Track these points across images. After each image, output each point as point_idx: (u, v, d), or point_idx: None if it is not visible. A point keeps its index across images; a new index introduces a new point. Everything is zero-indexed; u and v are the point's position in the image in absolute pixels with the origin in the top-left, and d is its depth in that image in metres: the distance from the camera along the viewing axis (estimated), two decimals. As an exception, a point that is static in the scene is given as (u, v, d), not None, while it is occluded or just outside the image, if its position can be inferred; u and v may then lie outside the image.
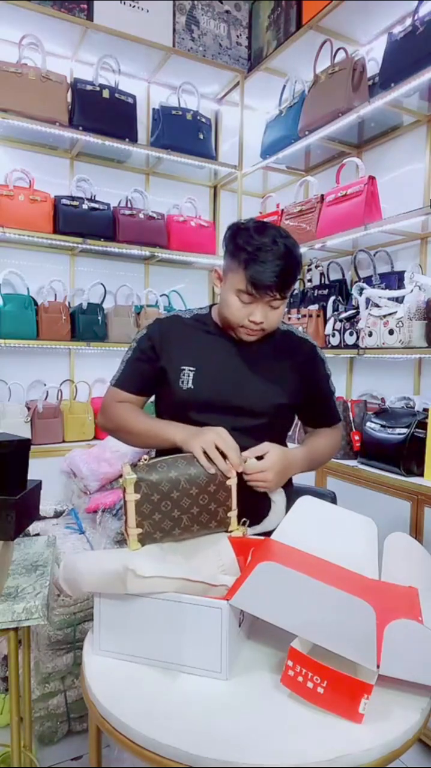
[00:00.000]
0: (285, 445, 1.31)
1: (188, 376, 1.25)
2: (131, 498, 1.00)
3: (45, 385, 2.63)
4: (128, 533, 1.00)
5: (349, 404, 2.27)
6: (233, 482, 1.10)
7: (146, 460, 1.04)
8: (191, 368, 1.26)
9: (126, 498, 1.00)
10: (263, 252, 1.13)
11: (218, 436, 1.10)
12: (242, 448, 1.14)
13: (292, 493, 1.38)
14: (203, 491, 1.06)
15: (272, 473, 1.15)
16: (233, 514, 1.10)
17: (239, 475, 1.12)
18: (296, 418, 1.44)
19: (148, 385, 1.33)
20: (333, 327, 2.40)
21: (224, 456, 1.08)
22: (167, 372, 1.27)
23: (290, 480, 1.41)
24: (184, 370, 1.26)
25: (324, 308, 2.54)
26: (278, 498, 1.23)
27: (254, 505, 1.18)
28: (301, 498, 1.18)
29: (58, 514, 2.36)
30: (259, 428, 1.25)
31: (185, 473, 1.05)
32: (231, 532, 1.10)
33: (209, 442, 1.08)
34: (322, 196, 2.48)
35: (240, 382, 1.26)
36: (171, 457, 1.07)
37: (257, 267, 1.13)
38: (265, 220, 1.26)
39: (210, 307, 1.37)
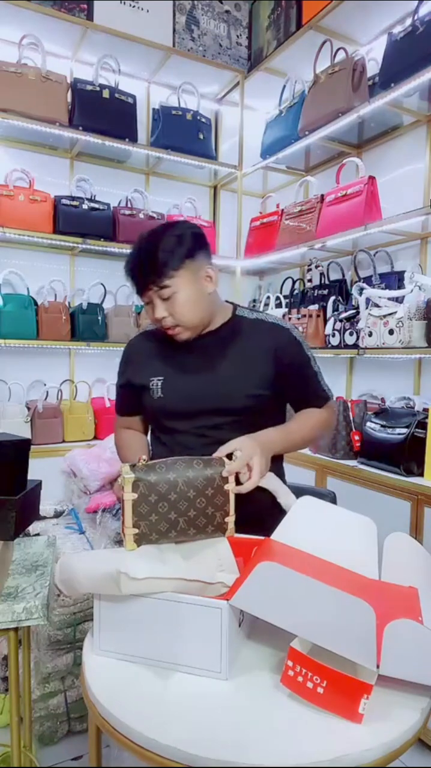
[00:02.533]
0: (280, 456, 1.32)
1: (157, 385, 1.29)
2: (129, 497, 1.00)
3: (45, 385, 2.63)
4: (125, 533, 1.01)
5: (349, 404, 2.27)
6: (231, 487, 1.09)
7: (143, 460, 1.05)
8: (159, 378, 1.29)
9: (124, 497, 1.01)
10: (130, 252, 1.22)
11: None
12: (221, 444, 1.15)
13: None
14: (201, 494, 1.06)
15: (249, 455, 1.11)
16: (230, 519, 1.09)
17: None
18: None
19: (134, 405, 1.38)
20: (333, 327, 2.40)
21: None
22: (140, 385, 1.32)
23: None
24: (152, 380, 1.29)
25: (324, 308, 2.54)
26: (272, 482, 1.21)
27: (258, 511, 1.17)
28: (301, 498, 1.18)
29: (58, 514, 2.36)
30: (238, 423, 1.23)
31: (184, 475, 1.04)
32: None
33: None
34: (322, 196, 2.48)
35: (207, 383, 1.25)
36: (170, 459, 1.07)
37: (126, 264, 1.23)
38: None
39: None
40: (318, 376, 1.33)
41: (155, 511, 1.01)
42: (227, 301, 1.37)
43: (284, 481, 1.39)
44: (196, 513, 1.05)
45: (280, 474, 1.37)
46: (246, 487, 1.10)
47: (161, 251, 1.17)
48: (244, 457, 1.10)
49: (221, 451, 1.12)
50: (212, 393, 1.24)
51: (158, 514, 1.02)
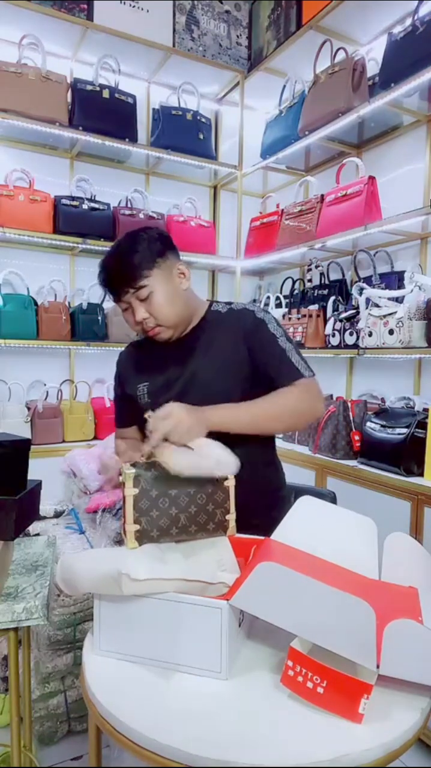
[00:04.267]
0: (269, 439, 1.33)
1: (143, 391, 1.32)
2: (130, 492, 1.00)
3: (45, 385, 2.63)
4: (126, 530, 1.01)
5: (349, 404, 2.27)
6: (231, 483, 1.09)
7: (141, 458, 1.05)
8: (145, 383, 1.32)
9: (125, 493, 1.01)
10: (102, 262, 1.28)
11: None
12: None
13: (292, 493, 1.38)
14: (201, 490, 1.06)
15: (167, 411, 1.06)
16: (231, 517, 1.10)
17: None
18: None
19: (131, 417, 1.39)
20: (333, 327, 2.40)
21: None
22: (131, 395, 1.35)
23: (276, 481, 1.39)
24: (139, 387, 1.33)
25: (324, 308, 2.54)
26: (210, 449, 1.09)
27: (257, 505, 1.17)
28: (301, 498, 1.18)
29: (58, 514, 2.36)
30: None
31: None
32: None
33: None
34: (322, 196, 2.48)
35: (189, 381, 1.27)
36: None
37: (98, 274, 1.28)
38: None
39: None
40: (288, 353, 1.25)
41: (155, 506, 1.02)
42: (207, 300, 1.40)
43: (281, 473, 1.40)
44: (197, 509, 1.06)
45: (269, 476, 1.36)
46: (153, 438, 1.04)
47: (133, 253, 1.21)
48: (160, 415, 1.06)
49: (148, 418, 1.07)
50: (195, 390, 1.25)
51: (159, 509, 1.02)
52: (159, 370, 1.31)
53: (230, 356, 1.27)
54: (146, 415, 1.09)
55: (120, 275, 1.22)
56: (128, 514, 1.00)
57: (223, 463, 1.07)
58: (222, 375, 1.26)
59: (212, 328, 1.30)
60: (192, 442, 1.06)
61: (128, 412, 1.40)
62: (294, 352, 1.26)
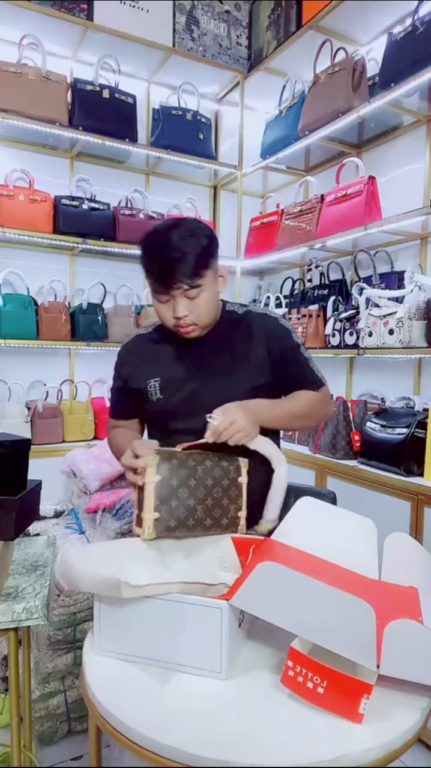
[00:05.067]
0: (275, 432, 1.32)
1: (155, 387, 1.29)
2: (151, 479, 1.01)
3: (45, 385, 2.63)
4: (144, 519, 1.00)
5: (349, 404, 2.27)
6: (243, 480, 1.12)
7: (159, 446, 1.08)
8: (156, 379, 1.29)
9: (146, 480, 1.01)
10: (156, 248, 1.17)
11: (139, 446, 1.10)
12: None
13: (292, 494, 1.38)
14: (217, 483, 1.08)
15: (231, 417, 1.10)
16: (242, 514, 1.11)
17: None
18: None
19: (130, 409, 1.38)
20: (333, 327, 2.40)
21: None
22: (138, 390, 1.31)
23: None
24: (150, 382, 1.29)
25: (324, 308, 2.54)
26: (266, 447, 1.20)
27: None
28: (301, 499, 1.18)
29: (58, 514, 2.36)
30: None
31: (202, 463, 1.07)
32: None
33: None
34: (322, 196, 2.48)
35: (208, 381, 1.26)
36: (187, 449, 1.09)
37: (154, 263, 1.18)
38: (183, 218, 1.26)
39: None
40: (310, 362, 1.34)
41: (175, 495, 1.03)
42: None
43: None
44: (212, 502, 1.07)
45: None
46: (233, 440, 1.10)
47: (197, 250, 1.15)
48: (226, 419, 1.09)
49: (210, 420, 1.11)
50: (213, 391, 1.24)
51: (178, 499, 1.03)
52: (171, 367, 1.29)
53: (248, 358, 1.27)
54: (208, 418, 1.10)
55: (180, 270, 1.14)
56: (148, 502, 1.00)
57: (275, 459, 1.20)
58: (238, 376, 1.26)
59: (228, 328, 1.30)
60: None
61: (127, 405, 1.37)
62: (312, 361, 1.35)
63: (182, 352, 1.29)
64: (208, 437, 1.08)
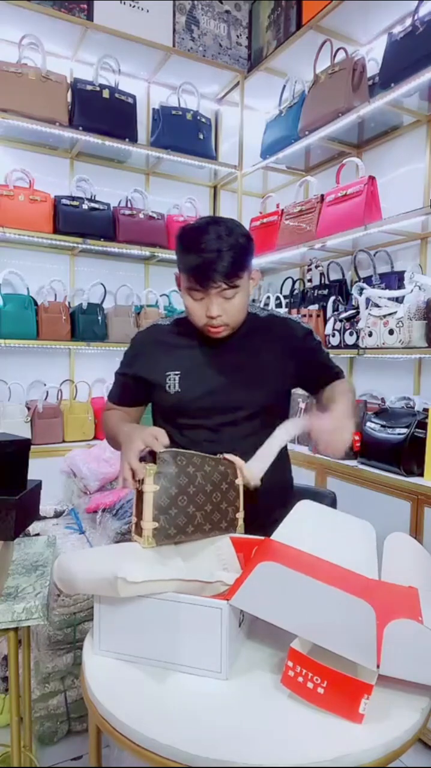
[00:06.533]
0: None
1: (174, 380, 1.26)
2: (150, 489, 0.99)
3: (45, 385, 2.63)
4: (143, 528, 0.98)
5: (349, 404, 2.27)
6: (240, 481, 1.11)
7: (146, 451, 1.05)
8: (176, 372, 1.26)
9: (144, 489, 0.99)
10: (197, 244, 1.13)
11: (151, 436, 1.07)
12: (236, 441, 1.17)
13: (292, 494, 1.38)
14: (217, 488, 1.07)
15: (342, 428, 1.10)
16: (240, 515, 1.11)
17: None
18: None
19: (134, 397, 1.36)
20: (333, 327, 2.40)
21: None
22: (153, 380, 1.28)
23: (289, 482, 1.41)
24: (169, 375, 1.27)
25: (324, 308, 2.54)
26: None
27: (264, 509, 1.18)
28: (300, 502, 1.18)
29: (58, 514, 2.36)
30: (253, 419, 1.24)
31: (201, 469, 1.06)
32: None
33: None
34: (322, 196, 2.48)
35: (227, 380, 1.25)
36: (188, 452, 1.08)
37: (193, 259, 1.14)
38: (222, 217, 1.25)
39: None
40: (328, 357, 1.38)
41: (174, 504, 1.01)
42: None
43: (291, 482, 1.42)
44: (212, 508, 1.06)
45: (285, 474, 1.40)
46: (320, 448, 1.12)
47: (240, 251, 1.15)
48: (335, 432, 1.10)
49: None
50: (235, 391, 1.24)
51: (178, 507, 1.01)
52: (195, 363, 1.27)
53: (273, 361, 1.27)
54: (311, 427, 1.11)
55: (222, 269, 1.13)
56: (147, 511, 0.98)
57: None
58: (259, 376, 1.26)
59: (253, 331, 1.29)
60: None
61: (133, 393, 1.35)
62: (328, 355, 1.38)
63: (204, 350, 1.27)
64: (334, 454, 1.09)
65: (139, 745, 0.74)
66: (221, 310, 1.17)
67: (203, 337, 1.26)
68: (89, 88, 2.47)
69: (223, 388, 1.24)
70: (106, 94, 2.50)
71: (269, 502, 1.22)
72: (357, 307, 2.28)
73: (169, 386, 1.26)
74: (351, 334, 2.31)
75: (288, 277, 3.02)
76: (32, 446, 1.41)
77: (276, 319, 1.34)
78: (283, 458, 1.37)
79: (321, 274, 2.76)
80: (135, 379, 1.33)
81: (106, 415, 1.38)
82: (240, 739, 0.72)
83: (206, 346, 1.27)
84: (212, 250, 1.12)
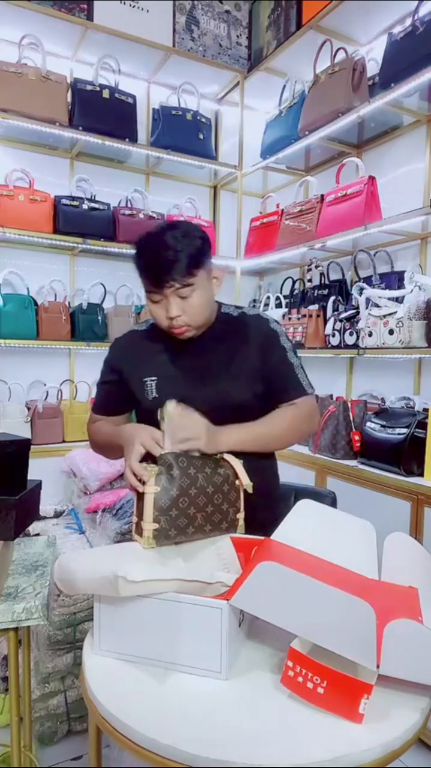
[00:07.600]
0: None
1: (151, 386, 1.28)
2: (151, 490, 0.99)
3: (45, 385, 2.63)
4: (144, 529, 0.99)
5: (349, 404, 2.27)
6: (240, 483, 1.11)
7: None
8: (153, 378, 1.28)
9: (145, 491, 1.00)
10: (145, 247, 1.18)
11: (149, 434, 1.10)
12: None
13: (292, 495, 1.38)
14: (218, 490, 1.07)
15: (196, 425, 1.11)
16: (241, 516, 1.11)
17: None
18: None
19: (118, 406, 1.38)
20: (333, 327, 2.40)
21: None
22: (133, 387, 1.30)
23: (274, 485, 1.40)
24: (146, 381, 1.28)
25: (324, 308, 2.54)
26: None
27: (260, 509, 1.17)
28: (300, 502, 1.18)
29: (58, 514, 2.36)
30: (229, 418, 1.22)
31: (202, 471, 1.06)
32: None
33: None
34: (322, 196, 2.48)
35: (203, 382, 1.25)
36: (190, 453, 1.08)
37: (145, 261, 1.18)
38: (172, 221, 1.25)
39: None
40: (296, 369, 1.29)
41: (175, 505, 1.01)
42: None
43: (276, 483, 1.39)
44: (212, 509, 1.06)
45: (271, 474, 1.37)
46: (167, 442, 1.09)
47: (189, 249, 1.16)
48: (185, 423, 1.10)
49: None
50: (209, 392, 1.24)
51: (179, 509, 1.01)
52: (170, 368, 1.28)
53: (243, 360, 1.26)
54: (167, 409, 1.09)
55: (171, 268, 1.15)
56: (147, 512, 0.99)
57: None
58: (233, 376, 1.25)
59: (223, 330, 1.30)
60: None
61: (117, 400, 1.36)
62: (301, 368, 1.31)
63: (178, 353, 1.29)
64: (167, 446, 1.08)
65: (139, 745, 0.74)
66: (180, 310, 1.19)
67: (175, 341, 1.27)
68: (89, 88, 2.47)
69: (198, 392, 1.24)
70: (106, 94, 2.50)
71: (260, 503, 1.20)
72: (357, 307, 2.28)
73: (147, 393, 1.28)
74: (351, 334, 2.31)
75: (288, 277, 3.02)
76: (32, 446, 1.41)
77: (246, 316, 1.33)
78: (269, 456, 1.37)
79: (321, 274, 2.76)
80: (118, 385, 1.35)
81: (94, 427, 1.39)
82: (240, 739, 0.72)
83: (178, 349, 1.28)
84: (161, 251, 1.15)
